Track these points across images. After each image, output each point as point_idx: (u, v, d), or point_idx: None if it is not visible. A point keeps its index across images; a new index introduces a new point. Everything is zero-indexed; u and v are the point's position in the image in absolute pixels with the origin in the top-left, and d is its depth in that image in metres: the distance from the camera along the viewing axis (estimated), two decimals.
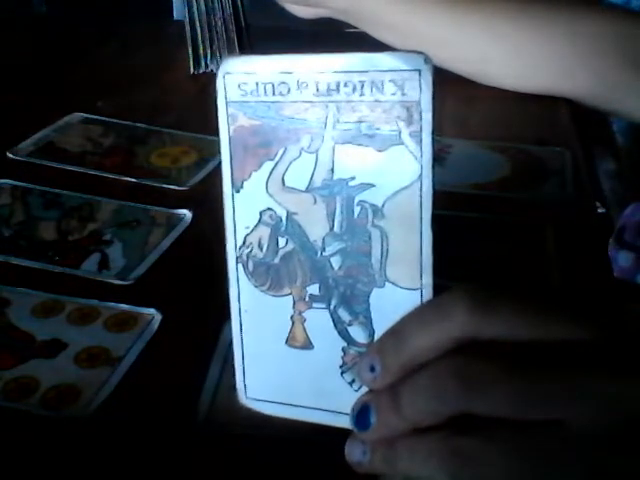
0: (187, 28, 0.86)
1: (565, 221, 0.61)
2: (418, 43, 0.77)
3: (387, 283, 0.34)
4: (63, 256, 0.56)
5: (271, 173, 0.35)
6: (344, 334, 0.35)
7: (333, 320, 0.35)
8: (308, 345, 0.36)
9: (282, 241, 0.35)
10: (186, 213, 0.61)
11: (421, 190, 0.33)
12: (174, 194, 0.64)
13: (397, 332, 0.32)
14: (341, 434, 0.34)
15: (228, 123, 0.35)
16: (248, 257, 0.36)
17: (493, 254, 0.57)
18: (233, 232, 0.36)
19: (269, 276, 0.36)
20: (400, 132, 0.33)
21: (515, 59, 0.79)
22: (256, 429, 0.42)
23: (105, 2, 1.44)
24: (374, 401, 0.32)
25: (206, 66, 0.87)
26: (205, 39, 0.86)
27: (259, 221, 0.35)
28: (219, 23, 0.86)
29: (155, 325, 0.49)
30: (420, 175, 0.32)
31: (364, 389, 0.33)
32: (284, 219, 0.35)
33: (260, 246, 0.36)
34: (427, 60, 0.32)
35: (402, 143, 0.33)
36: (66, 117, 0.76)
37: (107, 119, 0.76)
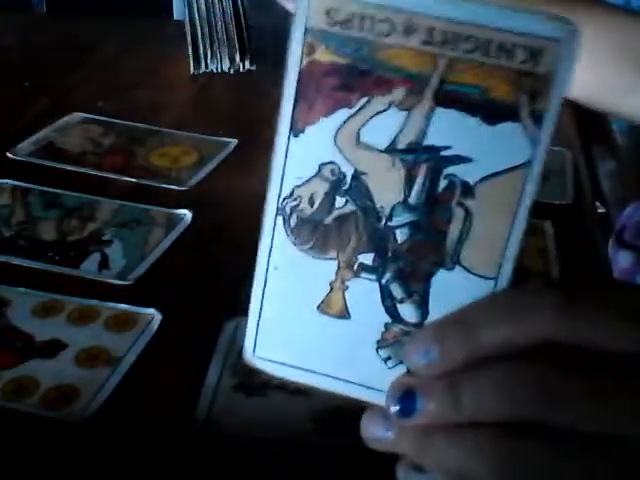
0: (187, 28, 0.86)
1: (565, 221, 0.61)
2: None
3: (458, 267, 0.31)
4: (63, 256, 0.56)
5: (345, 123, 0.30)
6: (391, 310, 0.32)
7: (382, 294, 0.32)
8: (344, 314, 0.32)
9: (340, 201, 0.31)
10: (186, 213, 0.61)
11: (527, 175, 0.29)
12: (174, 194, 0.64)
13: (465, 321, 0.29)
14: (340, 437, 0.34)
15: (303, 53, 0.30)
16: (292, 210, 0.32)
17: None
18: (280, 180, 0.31)
19: (314, 235, 0.32)
20: (520, 107, 0.29)
21: None
22: (255, 430, 0.42)
23: (105, 2, 1.44)
24: (424, 388, 0.30)
25: (206, 66, 0.87)
26: (205, 39, 0.86)
27: (317, 174, 0.31)
28: (219, 23, 0.86)
29: (155, 325, 0.49)
30: (531, 159, 0.29)
31: (399, 368, 0.31)
32: (348, 177, 0.31)
33: (311, 202, 0.32)
34: (573, 31, 0.28)
35: (519, 120, 0.29)
36: (66, 117, 0.76)
37: (107, 119, 0.76)
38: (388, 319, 0.32)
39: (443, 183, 0.30)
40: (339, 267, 0.32)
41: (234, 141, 0.72)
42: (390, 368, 0.32)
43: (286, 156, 0.31)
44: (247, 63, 0.87)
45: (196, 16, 0.85)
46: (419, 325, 0.31)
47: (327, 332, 0.33)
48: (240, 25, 0.87)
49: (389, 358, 0.32)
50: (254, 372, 0.45)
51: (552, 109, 0.28)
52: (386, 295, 0.32)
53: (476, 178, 0.30)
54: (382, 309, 0.32)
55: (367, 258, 0.31)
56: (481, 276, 0.30)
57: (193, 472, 0.40)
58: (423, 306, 0.31)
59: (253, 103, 0.79)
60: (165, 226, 0.59)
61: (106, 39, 0.98)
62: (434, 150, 0.30)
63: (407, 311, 0.32)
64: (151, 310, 0.50)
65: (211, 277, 0.55)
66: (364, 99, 0.30)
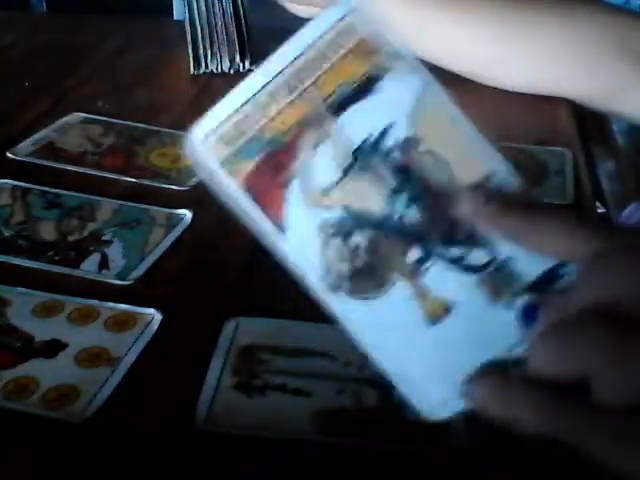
0: (187, 28, 0.86)
1: None
2: (431, 45, 0.76)
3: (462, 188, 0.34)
4: (63, 256, 0.56)
5: (302, 190, 0.33)
6: (464, 268, 0.34)
7: (450, 265, 0.34)
8: (449, 307, 0.34)
9: (356, 238, 0.34)
10: (186, 213, 0.61)
11: (435, 95, 0.34)
12: (174, 194, 0.64)
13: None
14: (340, 437, 0.34)
15: (234, 182, 0.35)
16: (338, 278, 0.34)
17: None
18: (313, 270, 0.34)
19: (368, 279, 0.34)
20: (381, 66, 0.34)
21: (515, 60, 0.79)
22: (255, 430, 0.42)
23: (105, 2, 1.44)
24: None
25: (206, 66, 0.87)
26: (205, 39, 0.86)
27: (326, 239, 0.34)
28: (219, 23, 0.86)
29: (155, 325, 0.49)
30: (425, 83, 0.34)
31: None
32: (344, 215, 0.33)
33: (342, 260, 0.34)
34: (353, 4, 0.34)
35: (388, 71, 0.34)
36: (66, 117, 0.76)
37: (107, 119, 0.76)
38: (474, 275, 0.34)
39: (396, 154, 0.34)
40: (406, 280, 0.34)
41: None
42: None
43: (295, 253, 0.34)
44: (247, 63, 0.87)
45: (196, 16, 0.85)
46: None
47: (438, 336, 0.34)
48: (240, 25, 0.86)
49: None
50: (254, 372, 0.45)
51: (391, 56, 0.34)
52: (453, 262, 0.34)
53: (409, 127, 0.34)
54: (461, 274, 0.34)
55: (416, 254, 0.34)
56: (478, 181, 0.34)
57: (193, 472, 0.40)
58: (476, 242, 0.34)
59: None
60: (165, 226, 0.59)
61: (106, 39, 0.98)
62: (366, 142, 0.33)
63: (476, 257, 0.34)
64: (151, 310, 0.50)
65: (211, 277, 0.55)
66: (295, 163, 0.33)
